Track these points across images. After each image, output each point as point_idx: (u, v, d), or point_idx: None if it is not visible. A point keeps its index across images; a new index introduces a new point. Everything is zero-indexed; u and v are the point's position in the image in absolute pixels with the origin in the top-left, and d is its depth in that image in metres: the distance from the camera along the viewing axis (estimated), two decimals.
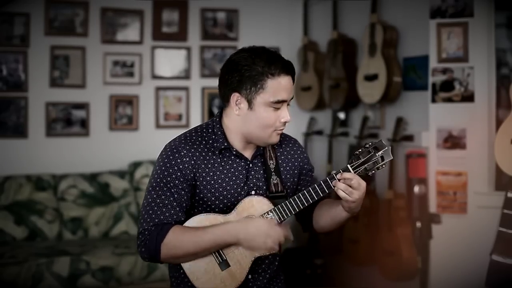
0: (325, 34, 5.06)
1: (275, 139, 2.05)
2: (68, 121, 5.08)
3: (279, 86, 1.97)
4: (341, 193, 1.96)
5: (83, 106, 5.11)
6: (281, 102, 1.99)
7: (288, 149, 2.18)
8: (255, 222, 1.97)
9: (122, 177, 4.98)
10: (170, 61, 5.35)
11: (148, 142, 5.24)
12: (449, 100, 3.89)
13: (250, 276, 2.08)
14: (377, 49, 4.36)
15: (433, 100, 3.94)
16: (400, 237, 4.07)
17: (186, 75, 5.39)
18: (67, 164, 5.01)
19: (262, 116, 1.99)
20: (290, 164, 2.16)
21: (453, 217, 3.85)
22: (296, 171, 2.17)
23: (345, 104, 4.81)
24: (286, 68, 2.00)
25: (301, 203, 2.00)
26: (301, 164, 2.19)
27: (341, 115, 5.05)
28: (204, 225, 1.99)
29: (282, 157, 2.15)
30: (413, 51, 4.32)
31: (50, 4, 4.99)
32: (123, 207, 4.87)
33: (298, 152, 2.20)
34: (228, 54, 2.14)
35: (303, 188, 2.10)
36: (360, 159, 1.98)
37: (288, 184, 2.13)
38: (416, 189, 3.86)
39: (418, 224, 3.87)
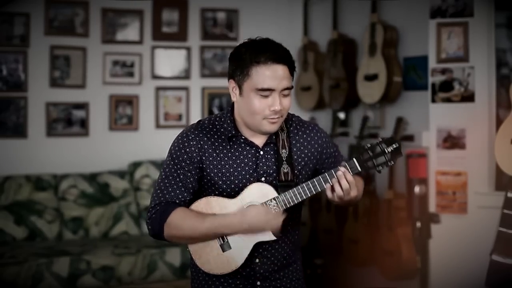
0: (325, 34, 5.06)
1: (269, 127, 2.05)
2: (68, 121, 5.08)
3: (264, 74, 2.00)
4: (328, 193, 2.02)
5: (83, 106, 5.11)
6: (268, 90, 2.01)
7: (305, 136, 2.18)
8: (252, 212, 2.01)
9: (122, 177, 4.98)
10: (170, 61, 5.35)
11: (148, 142, 5.24)
12: (448, 100, 3.89)
13: (257, 260, 2.11)
14: (377, 49, 4.36)
15: (433, 100, 3.94)
16: (400, 237, 4.08)
17: (186, 75, 5.39)
18: (67, 164, 5.01)
19: (250, 103, 2.03)
20: (306, 151, 2.16)
21: (453, 217, 3.85)
22: (313, 158, 2.17)
23: (345, 104, 4.81)
24: (274, 56, 2.02)
25: (304, 193, 2.02)
26: (319, 149, 2.18)
27: (341, 115, 5.05)
28: (210, 206, 2.07)
29: (298, 145, 2.16)
30: (414, 51, 4.32)
31: (50, 4, 4.99)
32: (123, 207, 4.87)
33: (316, 137, 2.19)
34: (228, 54, 2.16)
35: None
36: (369, 154, 2.01)
37: (303, 172, 2.14)
38: (417, 189, 3.86)
39: (418, 224, 3.87)
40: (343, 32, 4.89)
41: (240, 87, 2.05)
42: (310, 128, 2.21)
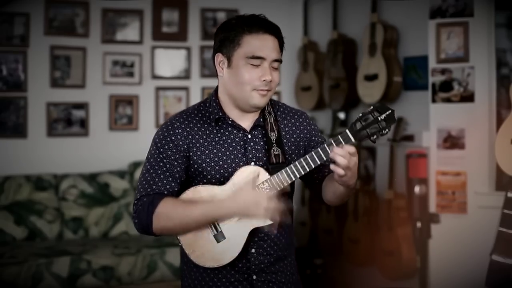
0: (325, 34, 5.06)
1: (258, 100, 2.00)
2: (68, 121, 5.08)
3: (256, 42, 1.99)
4: (331, 166, 1.89)
5: (83, 106, 5.11)
6: (259, 58, 1.98)
7: (293, 121, 2.13)
8: (243, 193, 1.94)
9: (122, 177, 4.98)
10: (170, 61, 5.35)
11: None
12: (448, 100, 3.89)
13: (253, 250, 2.05)
14: (377, 48, 4.36)
15: (433, 100, 3.94)
16: (400, 237, 4.08)
17: (186, 75, 5.39)
18: (67, 164, 5.01)
19: (240, 73, 1.99)
20: (294, 136, 2.11)
21: (453, 217, 3.85)
22: (301, 143, 2.12)
23: (345, 104, 4.81)
24: (266, 27, 2.03)
25: (297, 171, 1.95)
26: (307, 136, 2.13)
27: (341, 115, 5.05)
28: (199, 195, 2.00)
29: (286, 129, 2.11)
30: (414, 51, 4.32)
31: (50, 4, 4.99)
32: (122, 207, 4.87)
33: (305, 124, 2.14)
34: None
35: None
36: (361, 123, 1.91)
37: (293, 155, 2.09)
38: (417, 189, 3.86)
39: (418, 224, 3.87)
40: (343, 32, 4.89)
41: (229, 59, 2.01)
42: (299, 114, 2.16)
